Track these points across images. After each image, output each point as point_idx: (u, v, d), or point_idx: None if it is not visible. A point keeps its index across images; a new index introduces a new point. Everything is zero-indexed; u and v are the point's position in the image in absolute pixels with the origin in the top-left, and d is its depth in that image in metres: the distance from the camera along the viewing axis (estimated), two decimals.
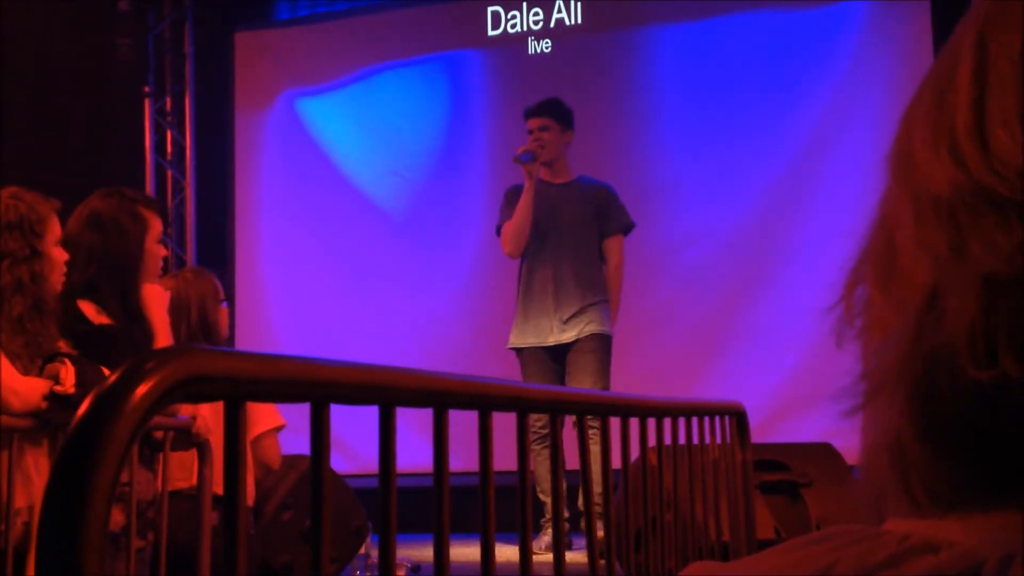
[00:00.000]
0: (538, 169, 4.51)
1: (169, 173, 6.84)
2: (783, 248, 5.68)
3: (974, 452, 0.40)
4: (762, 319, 5.66)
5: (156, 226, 3.06)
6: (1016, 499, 0.39)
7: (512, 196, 4.61)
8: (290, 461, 3.53)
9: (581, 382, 4.37)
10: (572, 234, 4.53)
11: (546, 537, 4.34)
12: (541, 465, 4.38)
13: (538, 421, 4.23)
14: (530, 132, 4.60)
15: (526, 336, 4.53)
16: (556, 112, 4.62)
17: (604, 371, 4.45)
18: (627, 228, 4.63)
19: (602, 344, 4.46)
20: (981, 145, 0.40)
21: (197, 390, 0.80)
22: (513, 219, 4.52)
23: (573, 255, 4.51)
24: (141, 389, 0.75)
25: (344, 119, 6.60)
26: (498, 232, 4.64)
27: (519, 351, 4.55)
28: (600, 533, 1.94)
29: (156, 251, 3.03)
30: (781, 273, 5.61)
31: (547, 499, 4.33)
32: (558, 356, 4.50)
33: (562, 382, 4.45)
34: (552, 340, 4.48)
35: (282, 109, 6.76)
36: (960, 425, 0.40)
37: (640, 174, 5.03)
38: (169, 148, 6.85)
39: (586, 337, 4.44)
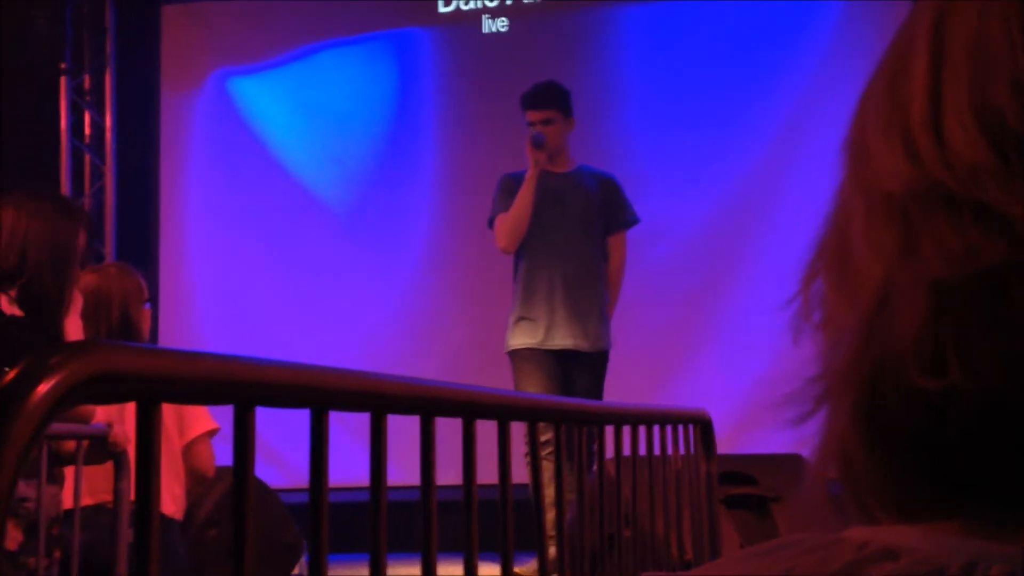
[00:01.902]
0: (546, 157, 4.45)
1: (87, 158, 6.75)
2: (753, 246, 5.73)
3: (921, 463, 0.40)
4: (730, 321, 5.71)
5: (83, 234, 3.04)
6: (969, 507, 0.39)
7: (508, 185, 4.55)
8: (217, 473, 3.49)
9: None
10: (578, 228, 4.47)
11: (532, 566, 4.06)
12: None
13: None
14: (530, 124, 4.53)
15: (527, 336, 4.45)
16: (558, 102, 4.56)
17: (602, 389, 4.49)
18: (632, 223, 4.61)
19: (606, 360, 4.50)
20: (935, 138, 0.40)
21: (105, 389, 0.79)
22: (512, 210, 4.45)
23: (581, 251, 4.48)
24: (42, 388, 0.74)
25: (281, 101, 6.55)
26: (490, 224, 4.58)
27: (515, 352, 4.48)
28: (553, 550, 1.94)
29: (79, 257, 3.02)
30: (751, 273, 5.67)
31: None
32: (563, 360, 4.45)
33: (568, 389, 4.43)
34: (559, 344, 4.41)
35: (213, 89, 6.69)
36: (906, 434, 0.40)
37: (602, 164, 5.04)
38: (87, 131, 6.76)
39: (598, 353, 4.46)
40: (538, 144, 4.42)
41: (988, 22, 0.40)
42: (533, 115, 4.54)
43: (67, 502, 2.88)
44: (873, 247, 0.42)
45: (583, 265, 4.46)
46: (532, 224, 4.45)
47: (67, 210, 2.96)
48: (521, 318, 4.47)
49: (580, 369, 4.44)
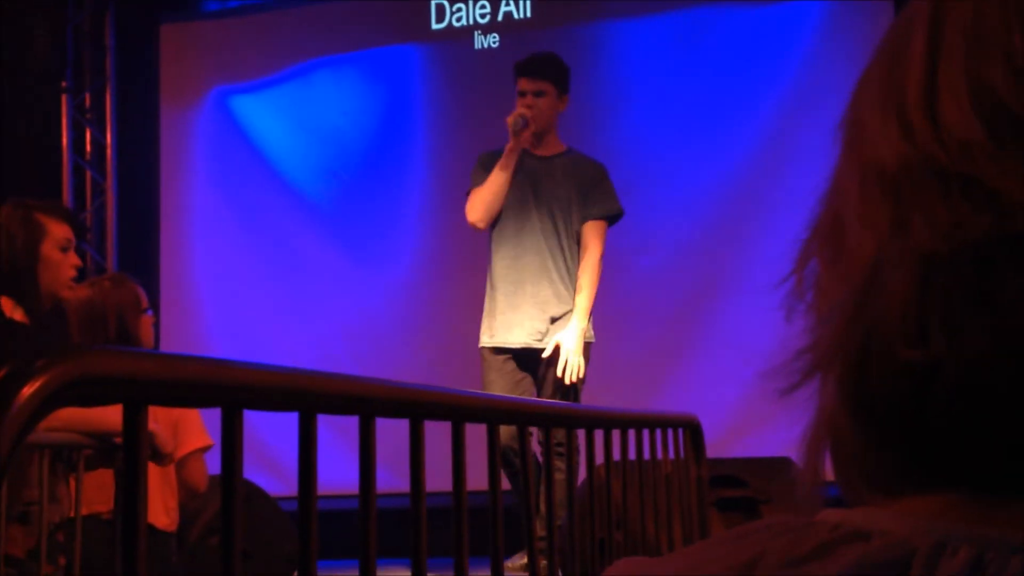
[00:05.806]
0: (528, 137, 4.07)
1: (88, 174, 6.73)
2: (741, 254, 5.72)
3: (904, 436, 0.40)
4: (719, 328, 5.70)
5: (56, 232, 3.01)
6: (947, 484, 0.39)
7: (484, 160, 4.17)
8: (216, 481, 3.47)
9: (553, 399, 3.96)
10: (554, 217, 4.06)
11: (520, 559, 3.89)
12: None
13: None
14: (521, 94, 4.07)
15: (487, 335, 4.13)
16: (555, 75, 4.12)
17: (580, 388, 4.03)
18: (613, 215, 4.14)
19: (586, 357, 4.04)
20: (930, 117, 0.40)
21: (91, 392, 0.78)
22: (486, 184, 4.06)
23: (555, 243, 4.06)
24: (27, 390, 0.73)
25: (278, 117, 6.55)
26: (467, 197, 4.22)
27: (481, 351, 4.16)
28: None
29: (56, 258, 3.00)
30: (739, 280, 5.66)
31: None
32: (527, 363, 4.08)
33: (530, 394, 4.06)
34: (516, 342, 4.05)
35: (211, 106, 6.69)
36: (890, 407, 0.40)
37: None
38: (88, 147, 6.75)
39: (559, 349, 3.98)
40: (519, 131, 4.02)
41: (985, 4, 0.41)
42: (526, 83, 4.08)
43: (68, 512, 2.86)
44: (866, 223, 0.42)
45: (560, 257, 4.07)
46: (506, 210, 4.09)
47: (22, 214, 2.96)
48: (490, 315, 4.13)
49: (544, 366, 4.03)
